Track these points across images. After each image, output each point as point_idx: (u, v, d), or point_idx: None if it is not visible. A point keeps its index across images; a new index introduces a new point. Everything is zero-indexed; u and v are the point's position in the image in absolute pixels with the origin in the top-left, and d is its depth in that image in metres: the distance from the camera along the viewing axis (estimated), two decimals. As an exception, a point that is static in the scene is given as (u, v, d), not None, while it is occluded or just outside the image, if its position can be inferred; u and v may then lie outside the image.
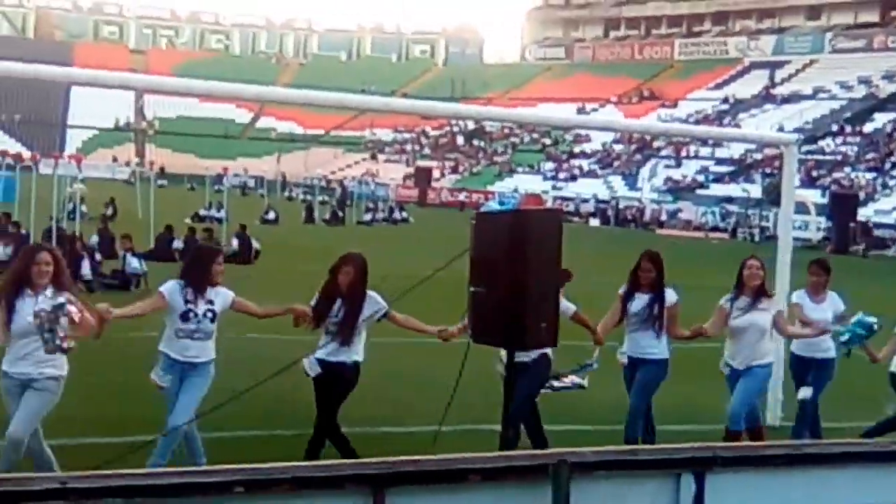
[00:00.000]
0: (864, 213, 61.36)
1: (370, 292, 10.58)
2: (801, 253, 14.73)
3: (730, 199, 70.91)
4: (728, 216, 67.75)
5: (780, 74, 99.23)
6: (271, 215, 52.49)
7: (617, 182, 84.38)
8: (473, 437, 11.20)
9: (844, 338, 11.62)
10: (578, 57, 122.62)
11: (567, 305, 10.93)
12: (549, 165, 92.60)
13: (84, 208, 38.93)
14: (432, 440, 9.84)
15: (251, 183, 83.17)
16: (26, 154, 55.18)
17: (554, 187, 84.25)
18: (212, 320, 9.99)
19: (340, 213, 59.20)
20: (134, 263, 25.78)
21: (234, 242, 33.14)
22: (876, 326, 11.58)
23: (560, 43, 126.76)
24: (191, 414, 9.89)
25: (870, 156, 75.63)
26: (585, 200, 77.75)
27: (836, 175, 71.99)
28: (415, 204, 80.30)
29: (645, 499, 6.23)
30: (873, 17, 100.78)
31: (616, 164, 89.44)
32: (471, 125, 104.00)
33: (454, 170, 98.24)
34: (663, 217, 72.00)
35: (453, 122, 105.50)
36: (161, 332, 10.15)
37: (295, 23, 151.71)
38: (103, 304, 9.51)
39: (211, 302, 9.96)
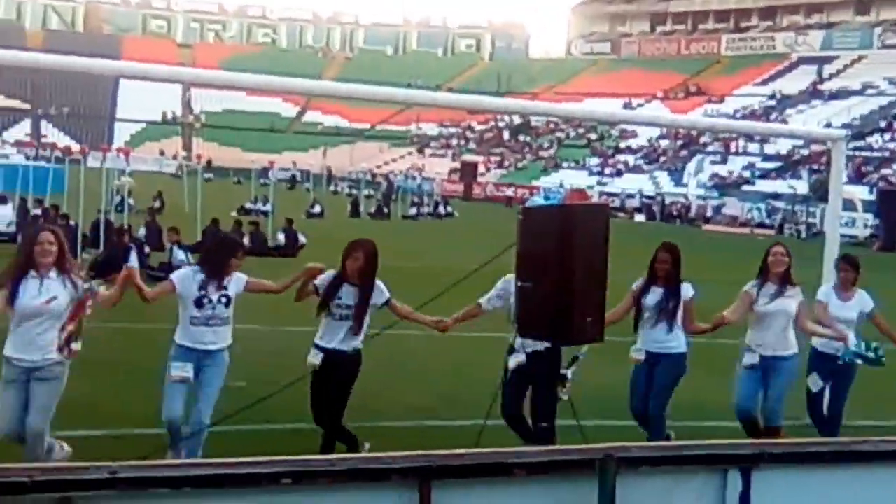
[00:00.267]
0: (912, 210, 60.80)
1: (376, 280, 10.48)
2: (848, 250, 14.56)
3: (776, 196, 70.41)
4: (774, 212, 67.32)
5: (827, 70, 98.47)
6: (317, 209, 52.61)
7: (663, 178, 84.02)
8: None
9: (848, 358, 11.56)
10: (625, 52, 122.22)
11: None
12: (595, 160, 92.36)
13: (132, 201, 39.14)
14: (477, 434, 9.86)
15: (297, 176, 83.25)
16: (75, 147, 55.52)
17: (599, 182, 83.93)
18: (226, 305, 9.93)
19: (386, 208, 59.26)
20: (180, 256, 25.91)
21: (280, 236, 33.35)
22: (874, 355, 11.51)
23: (606, 38, 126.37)
24: (212, 406, 9.87)
25: (918, 152, 75.08)
26: (631, 196, 77.46)
27: (884, 171, 71.40)
28: (460, 198, 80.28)
29: (691, 494, 6.22)
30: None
31: (662, 159, 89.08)
32: (516, 120, 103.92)
33: (499, 164, 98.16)
34: (709, 213, 71.70)
35: (499, 116, 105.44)
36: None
37: (341, 17, 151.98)
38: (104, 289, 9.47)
39: (224, 287, 9.91)
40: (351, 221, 52.25)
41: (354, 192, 67.71)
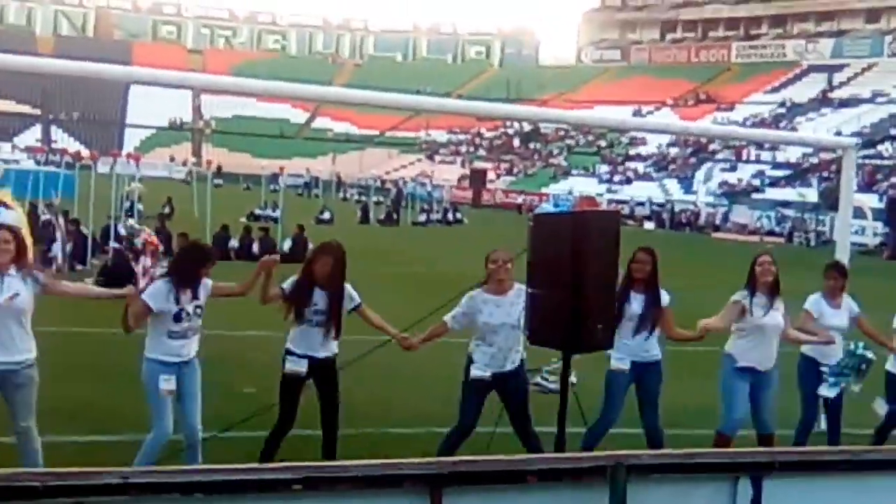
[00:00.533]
0: (922, 219, 60.70)
1: (346, 284, 10.39)
2: (858, 258, 14.60)
3: (786, 204, 70.38)
4: (784, 220, 67.26)
5: (838, 78, 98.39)
6: (326, 215, 52.69)
7: (672, 185, 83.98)
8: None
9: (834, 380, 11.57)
10: (635, 59, 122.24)
11: None
12: (605, 168, 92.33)
13: (141, 207, 39.25)
14: (488, 441, 9.86)
15: (308, 183, 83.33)
16: (85, 152, 55.62)
17: (609, 190, 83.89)
18: (200, 315, 9.87)
19: (395, 214, 59.37)
20: (190, 261, 25.94)
21: (287, 243, 33.36)
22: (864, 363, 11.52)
23: (616, 45, 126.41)
24: (199, 414, 9.83)
25: (928, 161, 74.97)
26: (640, 203, 77.42)
27: (894, 180, 71.29)
28: (469, 205, 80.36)
29: (701, 502, 6.21)
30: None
31: (671, 167, 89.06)
32: (526, 127, 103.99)
33: (509, 171, 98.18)
34: (718, 221, 71.68)
35: (508, 123, 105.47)
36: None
37: (351, 23, 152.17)
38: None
39: (196, 297, 9.81)
40: (360, 228, 52.32)
41: (364, 198, 67.82)
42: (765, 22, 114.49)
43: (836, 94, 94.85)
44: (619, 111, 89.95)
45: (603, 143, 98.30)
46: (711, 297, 11.57)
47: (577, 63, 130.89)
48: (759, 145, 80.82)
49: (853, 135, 67.49)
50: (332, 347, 10.31)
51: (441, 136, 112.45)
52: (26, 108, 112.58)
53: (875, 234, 58.77)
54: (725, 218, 71.68)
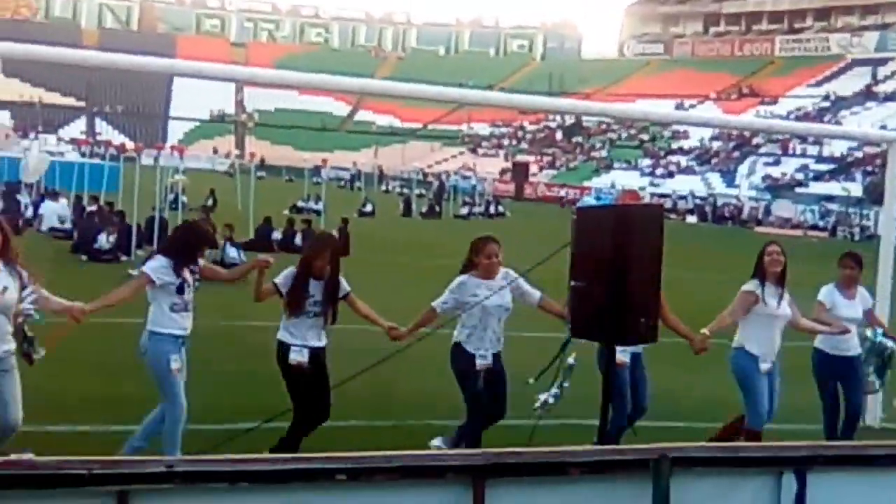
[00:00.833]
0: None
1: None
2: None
3: (830, 198, 70.03)
4: (828, 215, 66.96)
5: (882, 71, 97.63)
6: (368, 208, 52.78)
7: (715, 179, 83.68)
8: (570, 431, 11.12)
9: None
10: (677, 53, 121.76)
11: (531, 292, 10.68)
12: (647, 161, 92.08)
13: (185, 199, 39.38)
14: (530, 433, 9.85)
15: (352, 175, 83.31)
16: (129, 144, 55.89)
17: (651, 183, 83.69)
18: (195, 290, 9.90)
19: (437, 207, 59.34)
20: (232, 253, 26.08)
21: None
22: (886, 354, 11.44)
23: (659, 39, 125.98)
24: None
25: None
26: (683, 197, 77.17)
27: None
28: (511, 199, 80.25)
29: (746, 496, 6.20)
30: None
31: (714, 160, 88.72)
32: (568, 120, 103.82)
33: (551, 165, 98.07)
34: (761, 215, 71.34)
35: (551, 116, 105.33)
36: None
37: (394, 16, 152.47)
38: (78, 303, 9.26)
39: (193, 271, 9.83)
40: (402, 220, 52.39)
41: (406, 191, 67.83)
42: (809, 15, 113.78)
43: (881, 88, 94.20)
44: (661, 105, 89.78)
45: (645, 137, 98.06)
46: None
47: (619, 57, 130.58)
48: (804, 139, 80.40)
49: (898, 129, 66.98)
50: (324, 337, 10.33)
51: (483, 129, 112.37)
52: (71, 101, 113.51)
53: (920, 229, 58.28)
54: (768, 212, 71.31)
